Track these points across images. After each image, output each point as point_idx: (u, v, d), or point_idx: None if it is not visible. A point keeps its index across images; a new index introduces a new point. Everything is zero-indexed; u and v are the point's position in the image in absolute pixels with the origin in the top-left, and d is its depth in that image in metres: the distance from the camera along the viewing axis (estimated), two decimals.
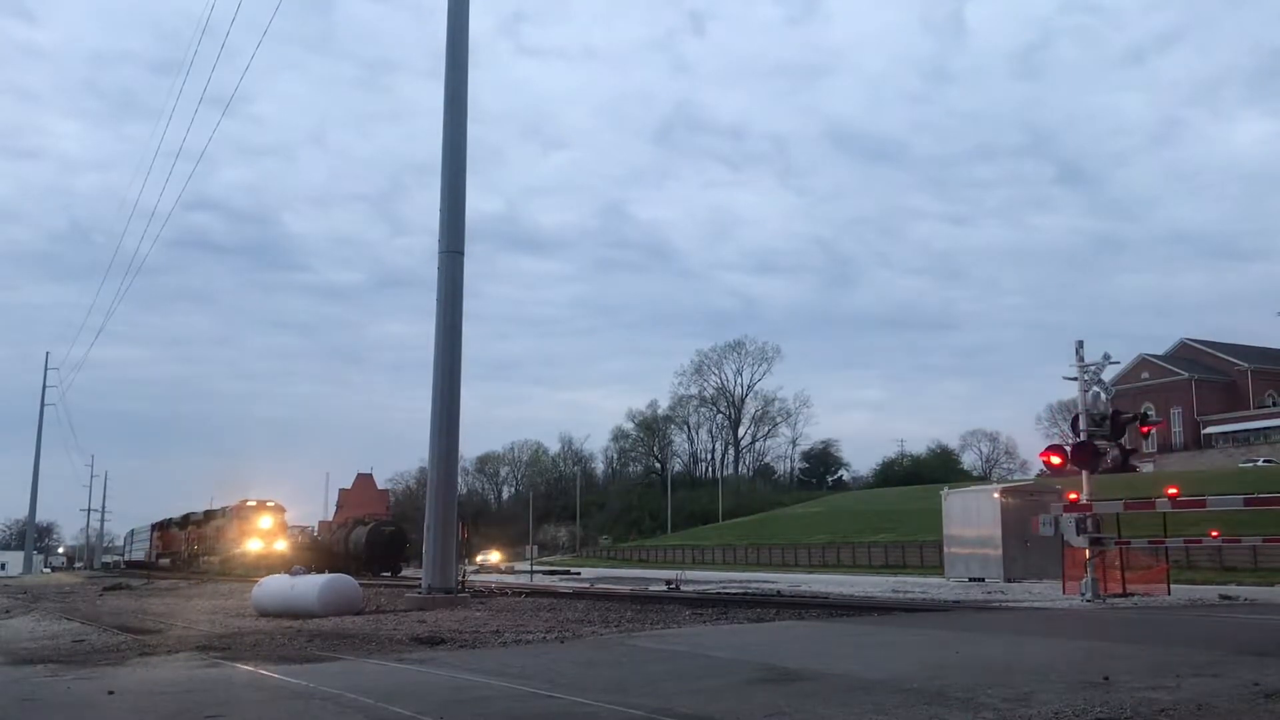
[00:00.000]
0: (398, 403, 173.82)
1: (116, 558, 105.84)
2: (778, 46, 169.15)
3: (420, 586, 22.62)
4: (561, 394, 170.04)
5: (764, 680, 8.36)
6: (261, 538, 54.04)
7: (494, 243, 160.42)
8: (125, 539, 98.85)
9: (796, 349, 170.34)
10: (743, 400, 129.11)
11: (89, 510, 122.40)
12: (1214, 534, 22.24)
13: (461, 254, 22.93)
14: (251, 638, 13.49)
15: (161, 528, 76.31)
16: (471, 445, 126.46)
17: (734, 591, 23.75)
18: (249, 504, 56.96)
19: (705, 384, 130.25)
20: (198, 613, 20.47)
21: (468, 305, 22.92)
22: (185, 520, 68.59)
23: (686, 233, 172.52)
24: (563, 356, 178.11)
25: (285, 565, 48.96)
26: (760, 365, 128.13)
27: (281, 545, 53.46)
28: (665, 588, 26.53)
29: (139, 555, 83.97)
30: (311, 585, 19.28)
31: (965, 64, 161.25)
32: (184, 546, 66.57)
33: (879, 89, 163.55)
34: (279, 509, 58.34)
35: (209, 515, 62.49)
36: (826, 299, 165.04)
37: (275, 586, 20.21)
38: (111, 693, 8.27)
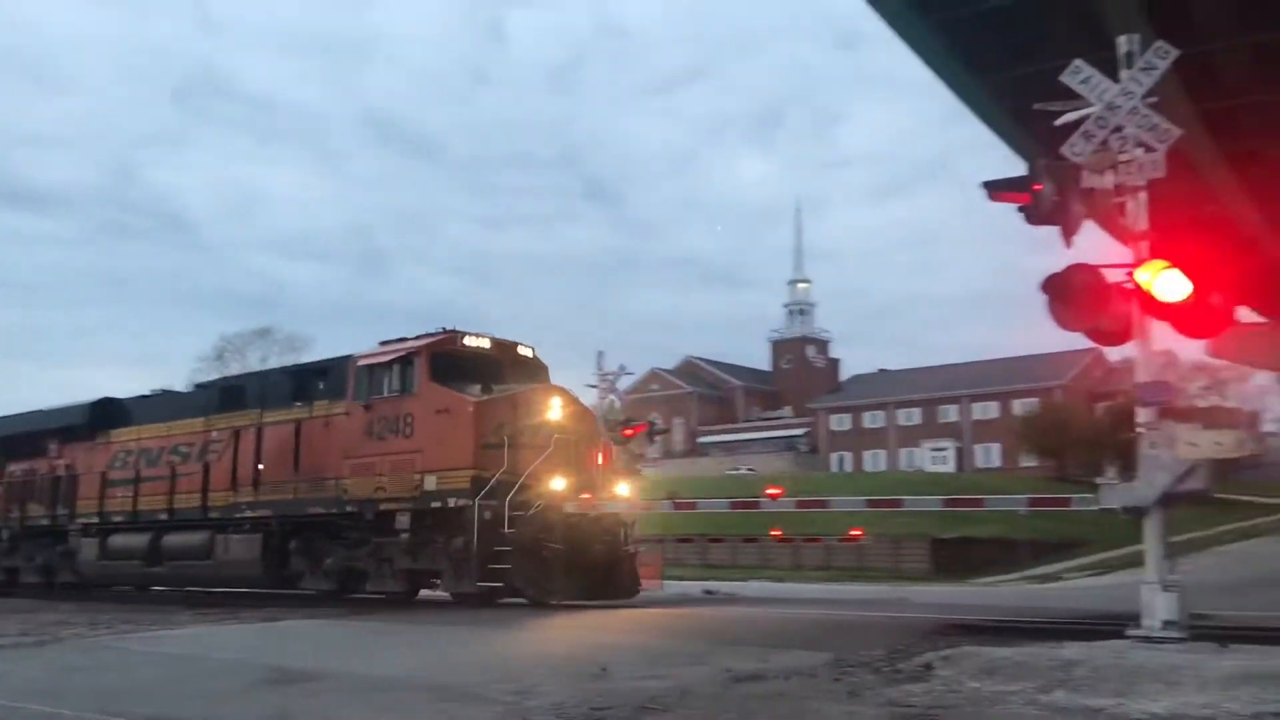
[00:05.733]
0: None
1: None
2: (316, 18, 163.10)
3: None
4: (54, 371, 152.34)
5: (272, 681, 8.06)
6: (565, 465, 16.01)
7: None
8: None
9: (328, 338, 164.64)
10: None
11: None
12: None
13: None
14: None
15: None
16: None
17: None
18: (467, 342, 17.20)
19: (229, 371, 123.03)
20: None
21: None
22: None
23: (207, 205, 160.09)
24: (56, 328, 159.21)
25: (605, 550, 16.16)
26: (289, 354, 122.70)
27: (625, 489, 16.84)
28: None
29: None
30: None
31: (505, 71, 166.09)
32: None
33: (421, 82, 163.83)
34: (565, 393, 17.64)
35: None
36: (359, 289, 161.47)
37: None
38: None
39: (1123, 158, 8.43)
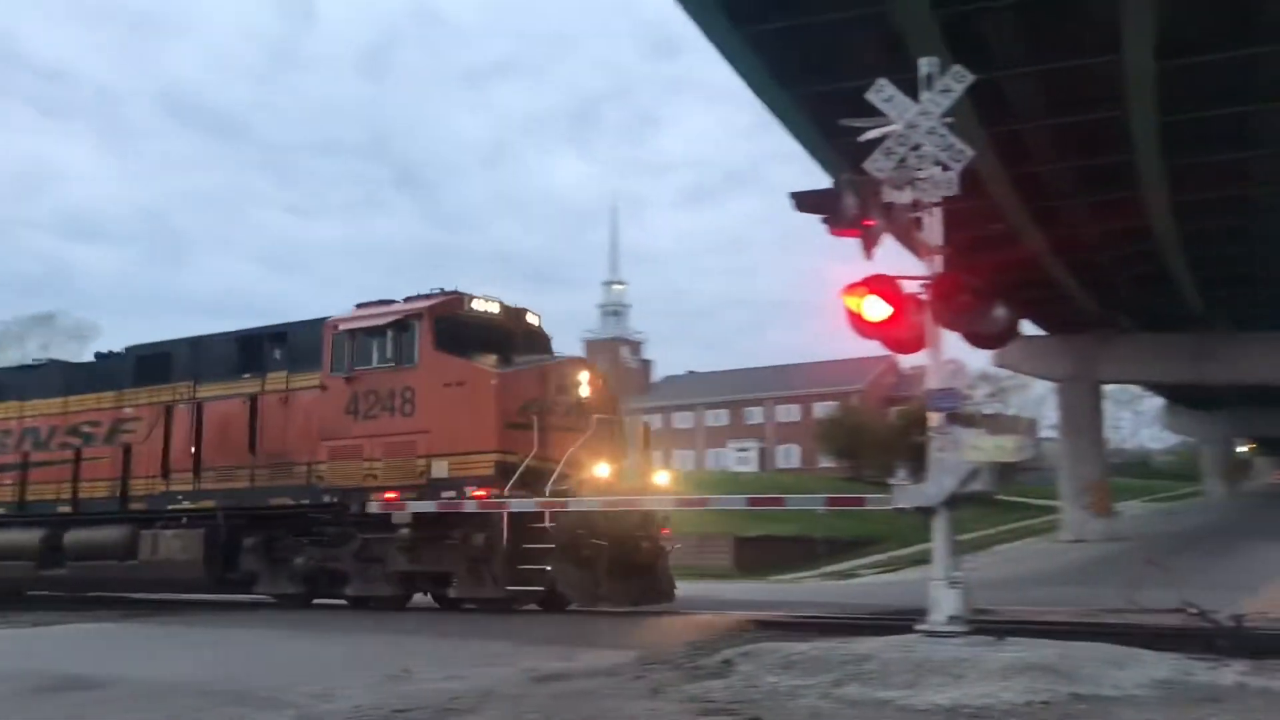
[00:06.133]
0: None
1: None
2: None
3: None
4: None
5: (50, 689, 7.59)
6: (609, 450, 14.41)
7: None
8: None
9: (119, 328, 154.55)
10: None
11: None
12: None
13: None
14: None
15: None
16: None
17: None
18: (475, 305, 15.01)
19: (4, 360, 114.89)
20: None
21: None
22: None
23: None
24: None
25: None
26: (75, 343, 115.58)
27: (665, 477, 15.58)
28: None
29: None
30: None
31: (314, 51, 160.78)
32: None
33: (223, 60, 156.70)
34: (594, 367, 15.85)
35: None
36: (154, 276, 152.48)
37: None
38: None
39: (920, 175, 8.83)
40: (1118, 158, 21.61)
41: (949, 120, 8.93)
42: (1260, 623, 10.94)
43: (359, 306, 15.19)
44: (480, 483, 13.33)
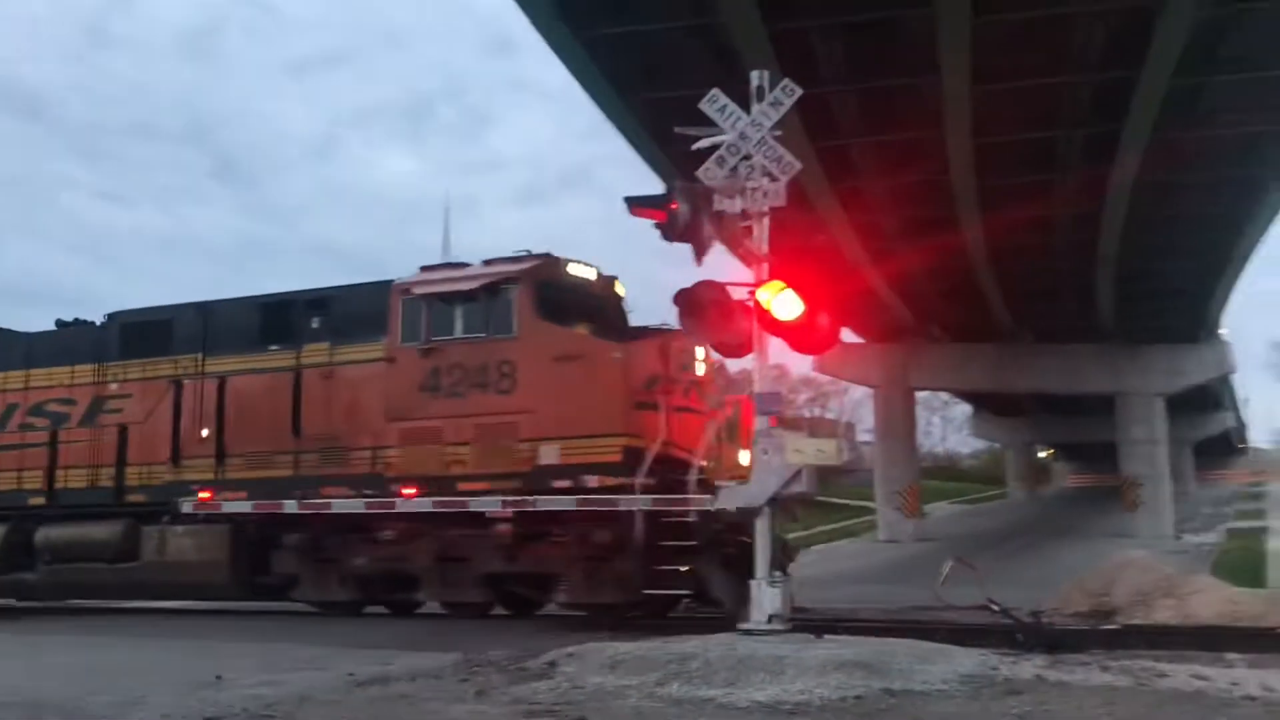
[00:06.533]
0: None
1: None
2: None
3: None
4: None
5: None
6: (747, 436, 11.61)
7: None
8: None
9: None
10: None
11: None
12: None
13: None
14: None
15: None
16: None
17: None
18: (571, 270, 13.36)
19: None
20: None
21: None
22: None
23: None
24: None
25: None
26: None
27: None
28: None
29: None
30: None
31: (131, 30, 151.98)
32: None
33: (35, 34, 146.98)
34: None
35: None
36: None
37: None
38: None
39: (749, 185, 9.06)
40: (934, 176, 22.58)
41: (778, 133, 9.19)
42: (1056, 619, 11.67)
43: (425, 269, 13.41)
44: (604, 470, 11.76)
